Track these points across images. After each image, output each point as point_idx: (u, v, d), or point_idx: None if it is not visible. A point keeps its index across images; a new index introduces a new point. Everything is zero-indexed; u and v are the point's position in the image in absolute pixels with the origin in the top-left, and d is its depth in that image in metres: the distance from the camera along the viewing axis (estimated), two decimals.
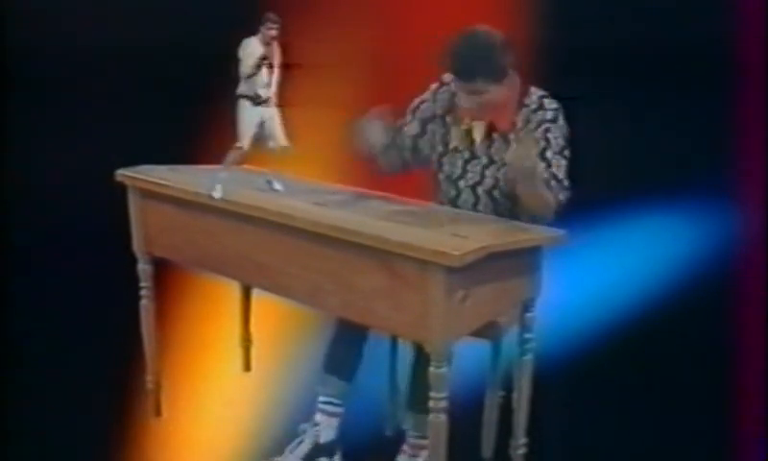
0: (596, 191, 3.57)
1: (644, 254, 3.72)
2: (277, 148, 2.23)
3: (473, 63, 2.26)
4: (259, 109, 2.25)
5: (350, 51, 4.12)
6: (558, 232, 2.24)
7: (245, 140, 2.18)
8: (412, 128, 2.53)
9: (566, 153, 2.35)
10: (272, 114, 2.40)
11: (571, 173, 2.37)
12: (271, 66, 2.28)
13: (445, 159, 2.47)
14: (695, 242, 3.71)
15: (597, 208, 3.49)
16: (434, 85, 2.52)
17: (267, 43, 2.23)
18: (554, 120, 2.35)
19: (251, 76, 2.20)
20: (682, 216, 3.79)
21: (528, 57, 3.11)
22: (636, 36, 3.83)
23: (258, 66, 2.29)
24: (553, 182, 2.30)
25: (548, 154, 2.32)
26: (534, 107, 2.37)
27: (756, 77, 3.64)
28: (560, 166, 2.33)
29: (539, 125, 2.33)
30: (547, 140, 2.32)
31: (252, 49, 2.34)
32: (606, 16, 3.75)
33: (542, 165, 2.29)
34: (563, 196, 2.33)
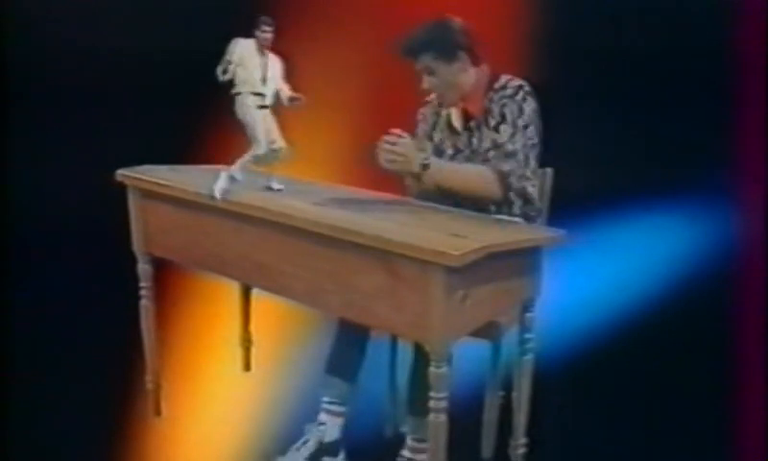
0: (596, 191, 3.57)
1: (644, 254, 3.71)
2: (278, 151, 2.22)
3: (417, 40, 2.37)
4: (261, 112, 2.23)
5: (350, 51, 4.11)
6: (558, 232, 2.24)
7: (261, 143, 2.16)
8: None
9: (521, 122, 2.37)
10: (269, 119, 2.37)
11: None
12: (264, 70, 2.26)
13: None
14: (695, 242, 3.71)
15: (597, 208, 3.49)
16: (421, 109, 2.62)
17: (263, 47, 2.20)
18: (512, 96, 2.39)
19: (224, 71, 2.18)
20: (681, 216, 3.79)
21: (525, 52, 3.11)
22: (635, 35, 3.82)
23: (227, 65, 2.26)
24: (491, 152, 2.34)
25: (501, 127, 2.37)
26: (498, 87, 2.43)
27: (756, 77, 3.64)
28: (506, 134, 2.36)
29: (499, 102, 2.39)
30: (503, 115, 2.38)
31: (233, 47, 2.30)
32: (605, 15, 3.74)
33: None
34: (508, 166, 2.34)
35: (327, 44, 4.03)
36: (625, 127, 3.88)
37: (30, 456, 2.57)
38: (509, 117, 2.38)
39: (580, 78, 3.60)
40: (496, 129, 2.38)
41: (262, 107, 2.36)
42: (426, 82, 2.42)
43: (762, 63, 3.63)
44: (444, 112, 2.54)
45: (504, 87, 2.42)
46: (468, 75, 2.42)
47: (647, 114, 3.84)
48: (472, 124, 2.46)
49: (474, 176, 2.35)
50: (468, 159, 2.45)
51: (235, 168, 2.29)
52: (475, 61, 2.43)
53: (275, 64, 2.42)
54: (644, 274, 3.60)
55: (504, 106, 2.38)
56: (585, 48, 3.61)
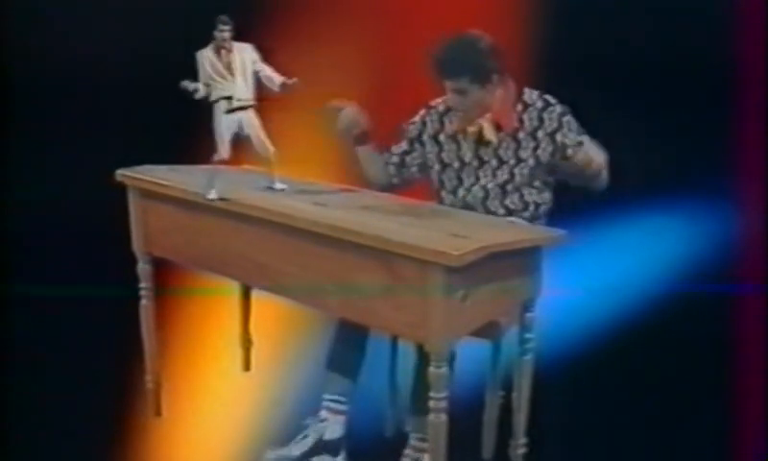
0: (596, 191, 3.57)
1: (644, 254, 3.71)
2: (263, 155, 2.21)
3: (453, 61, 2.37)
4: (234, 115, 2.21)
5: (346, 52, 4.11)
6: (558, 232, 2.24)
7: (222, 148, 2.16)
8: (400, 146, 2.64)
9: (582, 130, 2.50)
10: (250, 120, 2.33)
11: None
12: (231, 70, 2.23)
13: (445, 176, 2.57)
14: (695, 242, 3.71)
15: (597, 208, 3.49)
16: (422, 111, 2.62)
17: (220, 47, 2.18)
18: (564, 113, 2.48)
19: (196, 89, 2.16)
20: (682, 216, 3.79)
21: (529, 59, 3.11)
22: (635, 37, 3.83)
23: (207, 79, 2.24)
24: (592, 152, 2.40)
25: (570, 134, 2.47)
26: (540, 105, 2.47)
27: (756, 77, 3.64)
28: (583, 137, 2.46)
29: (558, 120, 2.45)
30: (571, 128, 2.47)
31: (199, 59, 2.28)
32: (605, 18, 3.75)
33: (584, 149, 2.43)
34: (606, 156, 2.42)
35: (326, 44, 4.03)
36: (625, 127, 3.89)
37: (30, 456, 2.57)
38: (577, 129, 2.47)
39: (580, 81, 3.61)
40: (564, 144, 2.44)
41: (236, 109, 2.33)
42: (455, 100, 2.43)
43: (762, 64, 3.63)
44: (469, 128, 2.51)
45: (549, 104, 2.47)
46: (495, 95, 2.44)
47: (647, 115, 3.85)
48: (501, 135, 2.48)
49: (601, 159, 2.40)
50: (495, 171, 2.49)
51: (210, 169, 2.30)
52: (503, 81, 2.45)
53: (245, 55, 2.35)
54: (644, 274, 3.60)
55: (569, 122, 2.47)
56: (585, 52, 3.62)
